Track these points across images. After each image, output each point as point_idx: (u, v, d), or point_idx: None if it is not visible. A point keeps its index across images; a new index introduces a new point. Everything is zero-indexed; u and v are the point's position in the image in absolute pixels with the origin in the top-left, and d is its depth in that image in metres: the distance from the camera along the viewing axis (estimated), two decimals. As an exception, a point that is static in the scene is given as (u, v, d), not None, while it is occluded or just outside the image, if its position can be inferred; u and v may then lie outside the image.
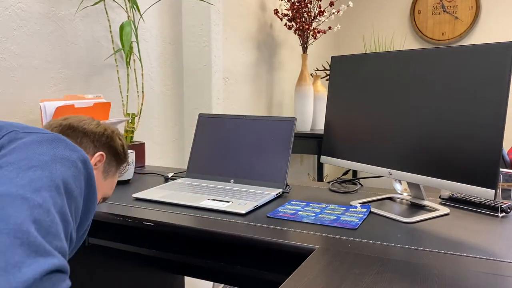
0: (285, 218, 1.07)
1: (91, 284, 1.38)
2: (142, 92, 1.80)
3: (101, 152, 0.96)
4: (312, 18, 2.74)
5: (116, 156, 1.02)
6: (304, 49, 2.80)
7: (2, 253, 0.52)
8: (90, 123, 1.00)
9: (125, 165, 1.06)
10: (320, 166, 2.84)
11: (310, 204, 1.19)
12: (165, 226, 1.04)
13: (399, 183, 1.31)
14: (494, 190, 0.94)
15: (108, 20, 1.72)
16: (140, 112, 1.80)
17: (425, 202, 1.19)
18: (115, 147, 1.01)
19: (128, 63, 1.73)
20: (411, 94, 1.13)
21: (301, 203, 1.20)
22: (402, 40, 4.05)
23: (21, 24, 1.43)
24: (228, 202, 1.18)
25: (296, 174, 3.47)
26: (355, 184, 1.45)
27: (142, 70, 1.82)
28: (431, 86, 1.09)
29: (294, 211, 1.12)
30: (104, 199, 1.04)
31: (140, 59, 1.74)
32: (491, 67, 0.97)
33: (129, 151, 1.46)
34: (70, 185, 0.68)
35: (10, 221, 0.55)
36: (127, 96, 1.76)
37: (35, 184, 0.62)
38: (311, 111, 2.82)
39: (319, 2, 2.74)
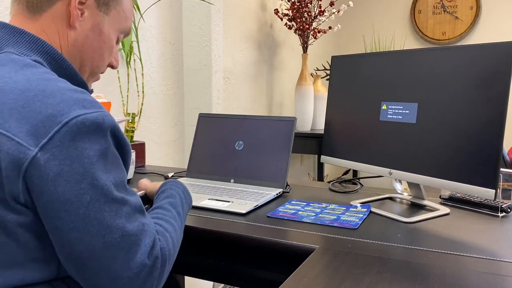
0: (285, 218, 1.07)
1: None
2: (143, 92, 1.80)
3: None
4: (313, 18, 2.74)
5: None
6: (305, 49, 2.80)
7: None
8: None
9: None
10: (320, 166, 2.84)
11: (310, 204, 1.19)
12: (165, 226, 1.04)
13: (399, 183, 1.31)
14: (494, 190, 0.94)
15: (108, 20, 1.72)
16: (140, 112, 1.80)
17: (425, 202, 1.19)
18: None
19: (128, 63, 1.73)
20: (411, 94, 1.13)
21: (301, 203, 1.20)
22: (403, 40, 4.05)
23: (21, 24, 1.43)
24: (229, 202, 1.17)
25: (296, 174, 3.47)
26: (355, 184, 1.45)
27: (143, 69, 1.82)
28: (431, 86, 1.09)
29: (294, 211, 1.12)
30: (128, 35, 0.90)
31: (140, 59, 1.74)
32: (492, 67, 0.97)
33: (129, 151, 1.46)
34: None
35: None
36: (128, 95, 1.76)
37: None
38: (311, 111, 2.82)
39: (320, 2, 2.74)
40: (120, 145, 0.72)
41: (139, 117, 1.79)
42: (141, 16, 1.86)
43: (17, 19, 0.77)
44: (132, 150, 1.47)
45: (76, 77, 0.79)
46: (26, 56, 0.73)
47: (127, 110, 1.78)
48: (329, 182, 1.45)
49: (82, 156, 0.64)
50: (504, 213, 1.10)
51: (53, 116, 0.63)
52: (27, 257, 0.66)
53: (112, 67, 0.90)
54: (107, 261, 0.65)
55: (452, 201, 1.22)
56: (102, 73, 0.88)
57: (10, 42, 0.73)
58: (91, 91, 0.86)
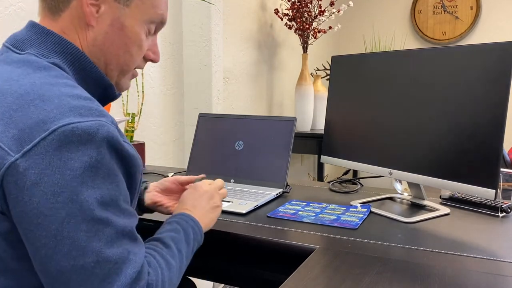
0: (285, 218, 1.07)
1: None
2: (142, 91, 1.80)
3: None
4: (313, 17, 2.74)
5: None
6: (305, 49, 2.80)
7: None
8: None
9: None
10: (320, 166, 2.84)
11: (310, 204, 1.19)
12: (165, 226, 1.03)
13: (400, 183, 1.31)
14: (494, 190, 0.94)
15: (108, 19, 1.72)
16: (140, 112, 1.80)
17: (426, 202, 1.19)
18: None
19: (128, 63, 1.73)
20: (411, 94, 1.13)
21: (301, 203, 1.20)
22: (403, 40, 4.05)
23: (21, 24, 1.43)
24: (229, 202, 1.17)
25: (296, 174, 3.47)
26: (355, 184, 1.45)
27: (142, 69, 1.82)
28: (432, 86, 1.09)
29: (294, 211, 1.12)
30: (162, 24, 0.81)
31: (140, 59, 1.74)
32: (492, 67, 0.97)
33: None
34: None
35: None
36: (127, 95, 1.76)
37: None
38: (312, 111, 2.82)
39: (320, 2, 2.74)
40: (123, 158, 0.66)
41: (139, 117, 1.79)
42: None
43: (42, 20, 0.75)
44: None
45: (102, 79, 0.76)
46: (45, 58, 0.70)
47: (127, 110, 1.78)
48: (329, 182, 1.45)
49: (65, 168, 0.59)
50: (504, 213, 1.10)
51: (42, 122, 0.59)
52: (5, 268, 0.62)
53: (152, 61, 0.83)
54: (77, 287, 0.59)
55: (452, 201, 1.22)
56: (139, 68, 0.82)
57: (35, 43, 0.71)
58: (118, 94, 0.81)
